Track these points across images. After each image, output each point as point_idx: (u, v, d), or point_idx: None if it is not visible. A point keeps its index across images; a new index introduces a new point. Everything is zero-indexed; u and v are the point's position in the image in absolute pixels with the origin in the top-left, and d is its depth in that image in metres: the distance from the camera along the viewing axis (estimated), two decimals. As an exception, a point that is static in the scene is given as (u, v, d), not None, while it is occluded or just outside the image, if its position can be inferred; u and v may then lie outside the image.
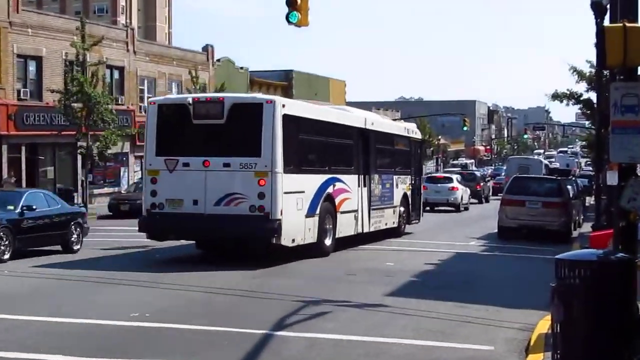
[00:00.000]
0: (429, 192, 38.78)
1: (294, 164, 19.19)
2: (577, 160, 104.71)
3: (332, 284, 16.06)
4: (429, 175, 48.53)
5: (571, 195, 30.87)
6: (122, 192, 41.17)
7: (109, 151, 38.68)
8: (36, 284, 15.81)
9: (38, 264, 18.56)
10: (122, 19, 66.00)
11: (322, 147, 21.48)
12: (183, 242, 21.31)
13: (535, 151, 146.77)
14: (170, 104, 20.38)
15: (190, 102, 19.05)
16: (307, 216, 19.71)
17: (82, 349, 9.98)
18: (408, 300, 13.95)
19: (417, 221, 29.24)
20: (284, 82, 65.09)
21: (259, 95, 21.52)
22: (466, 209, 44.31)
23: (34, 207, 20.04)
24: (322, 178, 20.75)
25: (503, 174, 68.71)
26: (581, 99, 38.71)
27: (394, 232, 26.30)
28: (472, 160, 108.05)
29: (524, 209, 27.18)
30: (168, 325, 11.39)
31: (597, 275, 7.90)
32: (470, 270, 18.90)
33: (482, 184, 53.68)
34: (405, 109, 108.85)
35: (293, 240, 18.99)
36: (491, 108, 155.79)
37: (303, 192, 19.54)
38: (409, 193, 28.00)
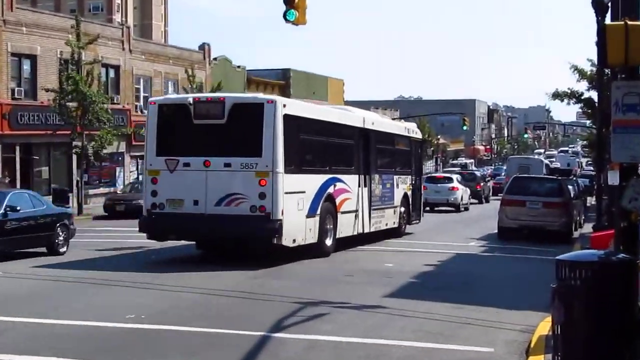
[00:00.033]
0: (428, 192, 38.69)
1: (294, 164, 19.15)
2: (578, 159, 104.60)
3: (332, 285, 15.98)
4: (428, 175, 48.43)
5: (572, 195, 30.79)
6: (118, 192, 40.89)
7: (105, 151, 38.36)
8: (31, 285, 15.71)
9: (33, 265, 18.41)
10: (117, 17, 65.74)
11: (322, 147, 21.44)
12: (179, 242, 21.21)
13: (536, 151, 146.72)
14: (171, 103, 20.32)
15: (191, 102, 19.01)
16: (307, 216, 19.65)
17: (79, 351, 9.91)
18: (407, 302, 13.87)
19: (417, 221, 29.18)
20: (282, 81, 64.74)
21: (260, 95, 21.47)
22: (466, 209, 44.25)
23: (18, 208, 19.68)
24: (322, 178, 20.71)
25: (503, 173, 68.70)
26: (582, 98, 38.75)
27: (394, 233, 26.24)
28: (472, 160, 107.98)
29: (525, 209, 27.08)
30: (166, 327, 11.31)
31: (598, 276, 7.85)
32: (470, 271, 18.82)
33: (482, 184, 53.63)
34: (404, 108, 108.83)
35: (294, 241, 18.94)
36: (491, 107, 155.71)
37: (304, 192, 19.49)
38: (409, 193, 27.94)
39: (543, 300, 11.18)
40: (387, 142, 26.34)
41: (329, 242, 20.75)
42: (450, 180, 44.37)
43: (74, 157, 39.19)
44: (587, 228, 30.25)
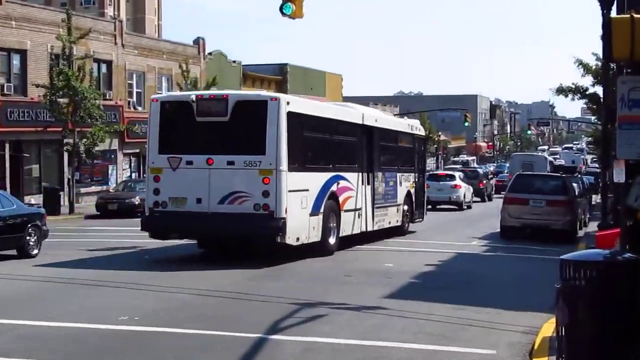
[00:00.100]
0: (431, 190, 38.37)
1: (298, 162, 19.03)
2: (582, 156, 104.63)
3: (332, 284, 15.77)
4: (430, 172, 48.22)
5: (577, 193, 30.50)
6: (110, 190, 40.39)
7: (97, 148, 37.48)
8: (21, 286, 15.43)
9: (23, 266, 18.07)
10: (109, 11, 65.15)
11: (326, 145, 21.33)
12: (174, 242, 20.99)
13: (540, 147, 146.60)
14: (173, 101, 20.25)
15: (194, 99, 18.92)
16: (311, 215, 19.52)
17: (71, 353, 9.75)
18: (407, 302, 13.66)
19: (420, 219, 29.06)
20: (278, 76, 64.18)
21: (264, 93, 21.35)
22: (469, 207, 44.05)
23: None
24: (326, 176, 20.60)
25: (506, 171, 68.51)
26: (587, 93, 38.48)
27: (397, 231, 26.09)
28: (474, 157, 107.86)
29: (528, 207, 26.81)
30: (160, 329, 11.12)
31: (603, 276, 7.78)
32: (472, 271, 18.61)
33: (484, 181, 53.38)
34: (404, 104, 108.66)
35: (297, 239, 18.82)
36: (493, 103, 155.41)
37: (307, 190, 19.38)
38: (412, 191, 27.79)
39: (547, 301, 11.03)
40: (390, 140, 26.20)
41: (332, 240, 20.62)
42: (452, 177, 44.15)
43: (65, 154, 38.57)
44: (592, 227, 30.05)
